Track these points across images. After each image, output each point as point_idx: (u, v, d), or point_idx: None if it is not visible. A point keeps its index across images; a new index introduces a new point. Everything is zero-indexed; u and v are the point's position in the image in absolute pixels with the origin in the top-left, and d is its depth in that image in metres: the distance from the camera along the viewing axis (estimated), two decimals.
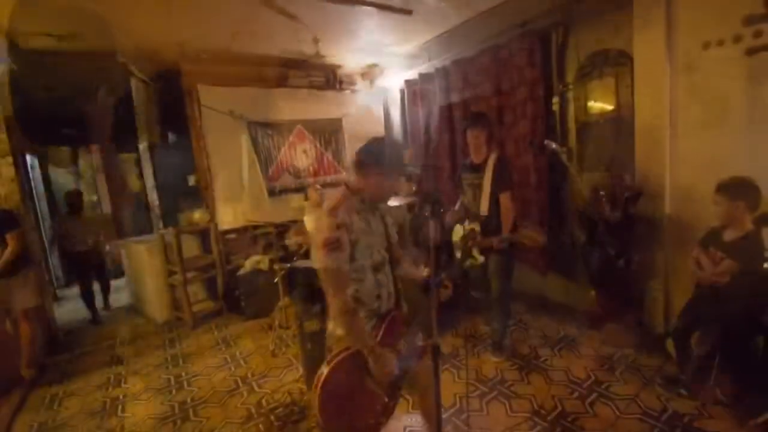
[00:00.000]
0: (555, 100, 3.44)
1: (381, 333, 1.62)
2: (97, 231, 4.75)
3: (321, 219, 1.56)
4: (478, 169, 2.78)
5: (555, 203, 3.51)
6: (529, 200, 3.65)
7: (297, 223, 4.14)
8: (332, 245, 1.50)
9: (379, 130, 5.49)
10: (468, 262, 2.75)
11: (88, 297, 4.66)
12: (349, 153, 5.35)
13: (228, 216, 4.53)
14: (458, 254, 2.74)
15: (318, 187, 4.14)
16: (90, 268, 4.75)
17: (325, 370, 1.51)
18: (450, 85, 4.27)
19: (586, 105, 3.27)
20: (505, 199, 2.73)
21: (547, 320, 3.51)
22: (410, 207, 3.79)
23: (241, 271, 4.38)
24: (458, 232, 2.86)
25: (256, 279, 4.29)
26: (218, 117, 4.39)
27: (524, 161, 3.64)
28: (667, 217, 2.81)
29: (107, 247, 5.11)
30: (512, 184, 2.75)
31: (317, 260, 1.53)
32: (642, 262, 2.93)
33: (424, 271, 1.76)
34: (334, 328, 1.62)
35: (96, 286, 4.87)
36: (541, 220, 3.52)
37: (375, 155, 1.56)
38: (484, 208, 2.74)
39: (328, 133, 5.24)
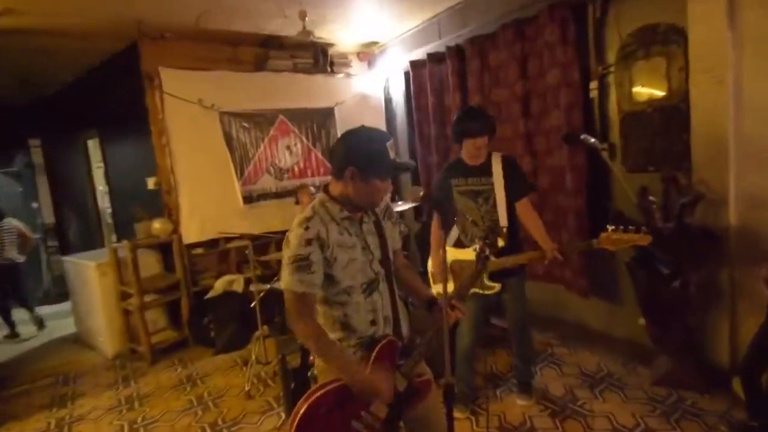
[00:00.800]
0: (593, 85, 3.45)
1: (371, 363, 1.60)
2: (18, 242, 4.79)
3: (290, 231, 1.57)
4: (479, 172, 2.74)
5: (594, 211, 3.50)
6: (563, 207, 3.64)
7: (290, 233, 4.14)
8: (299, 264, 1.51)
9: (379, 122, 5.52)
10: (480, 290, 2.71)
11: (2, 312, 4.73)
12: None
13: (195, 227, 4.53)
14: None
15: (311, 189, 4.16)
16: (5, 285, 4.83)
17: (302, 406, 1.50)
18: (465, 68, 4.29)
19: (630, 91, 3.27)
20: (527, 205, 2.72)
21: (587, 354, 3.49)
22: (418, 214, 3.78)
23: (211, 294, 4.38)
24: (453, 253, 2.79)
25: (229, 303, 4.29)
26: (184, 107, 4.42)
27: (557, 160, 3.63)
28: (733, 228, 2.80)
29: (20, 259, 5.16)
30: (532, 186, 2.74)
31: (282, 280, 1.56)
32: (702, 283, 2.90)
33: (431, 288, 1.75)
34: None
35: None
36: (579, 230, 3.51)
37: (355, 150, 1.55)
38: (503, 219, 2.71)
39: (317, 125, 5.26)
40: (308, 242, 1.52)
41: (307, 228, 1.53)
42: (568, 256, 2.43)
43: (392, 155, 1.54)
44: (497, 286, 2.69)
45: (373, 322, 1.65)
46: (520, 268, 2.77)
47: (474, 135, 2.65)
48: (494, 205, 2.72)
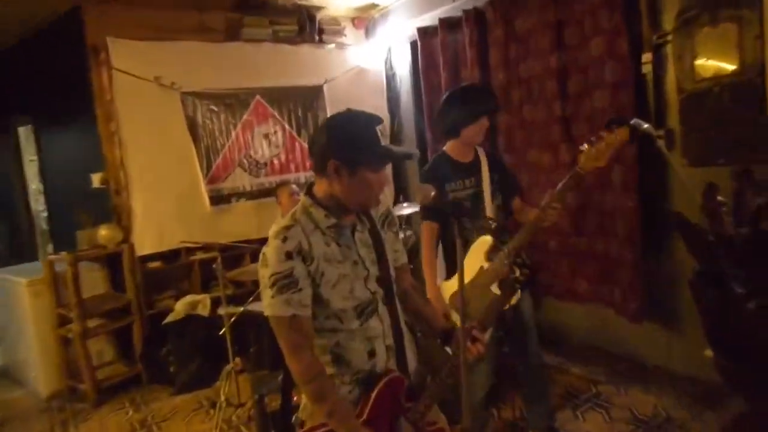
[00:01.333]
0: (646, 58, 3.44)
1: (369, 407, 1.60)
2: None
3: (266, 246, 1.58)
4: (470, 170, 2.83)
5: (649, 214, 3.48)
6: (609, 210, 3.63)
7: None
8: (281, 282, 1.52)
9: (379, 103, 5.52)
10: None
11: None
12: None
13: (150, 234, 4.53)
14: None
15: (293, 187, 4.15)
16: None
17: None
18: (486, 37, 4.28)
19: (692, 66, 3.26)
20: (520, 203, 2.89)
21: (640, 394, 3.46)
22: (428, 217, 3.75)
23: (170, 319, 4.37)
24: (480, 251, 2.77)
25: (193, 330, 4.28)
26: (138, 86, 4.42)
27: None
28: None
29: None
30: (519, 186, 3.00)
31: (264, 306, 1.56)
32: None
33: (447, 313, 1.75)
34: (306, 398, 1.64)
35: None
36: (629, 238, 3.50)
37: (335, 137, 1.56)
38: (489, 211, 2.79)
39: (302, 107, 5.27)
40: (288, 255, 1.53)
41: (285, 239, 1.54)
42: (561, 200, 2.48)
43: (383, 141, 1.54)
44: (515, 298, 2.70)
45: (372, 354, 1.65)
46: (532, 282, 2.83)
47: (490, 112, 2.79)
48: (484, 212, 2.78)
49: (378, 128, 1.54)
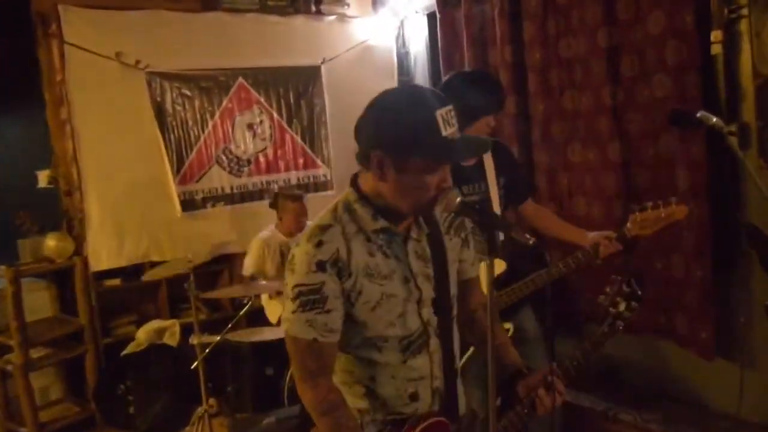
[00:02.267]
0: (715, 36, 3.42)
1: None
2: None
3: (296, 246, 1.57)
4: (474, 174, 2.90)
5: (720, 223, 3.47)
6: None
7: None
8: (306, 298, 1.50)
9: (388, 87, 5.49)
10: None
11: None
12: (334, 127, 5.38)
13: (109, 245, 4.51)
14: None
15: (299, 192, 4.15)
16: None
17: None
18: (520, 7, 4.27)
19: None
20: (534, 205, 3.06)
21: None
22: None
23: (131, 349, 4.36)
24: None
25: (158, 363, 4.27)
26: (95, 64, 4.41)
27: (662, 148, 3.61)
28: None
29: None
30: (532, 185, 3.17)
31: (283, 320, 1.57)
32: None
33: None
34: None
35: None
36: (698, 253, 3.48)
37: (383, 123, 1.50)
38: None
39: (294, 92, 5.29)
40: (320, 266, 1.50)
41: (319, 244, 1.51)
42: (597, 256, 2.77)
43: (447, 130, 1.46)
44: None
45: (414, 397, 1.63)
46: (545, 300, 2.93)
47: (497, 109, 2.91)
48: None
49: (440, 113, 1.45)
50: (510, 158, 3.06)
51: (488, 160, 2.90)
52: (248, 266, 4.21)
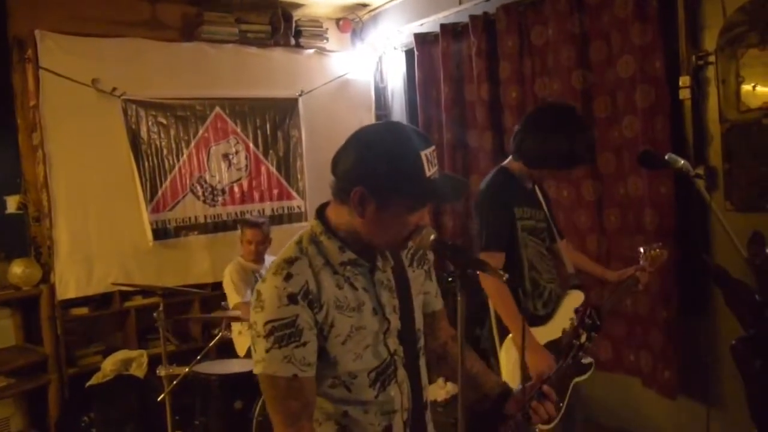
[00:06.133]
0: (684, 81, 3.52)
1: None
2: None
3: (262, 282, 1.52)
4: (534, 199, 2.88)
5: (688, 264, 3.53)
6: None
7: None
8: (281, 333, 1.45)
9: (366, 121, 5.55)
10: None
11: None
12: (310, 159, 5.41)
13: (77, 273, 4.50)
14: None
15: (262, 220, 4.15)
16: None
17: None
18: (497, 47, 4.35)
19: (738, 92, 3.34)
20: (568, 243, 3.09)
21: None
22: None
23: (96, 379, 4.31)
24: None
25: (124, 395, 4.21)
26: (70, 91, 4.43)
27: (631, 189, 3.69)
28: None
29: None
30: None
31: (256, 360, 1.50)
32: None
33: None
34: None
35: None
36: (664, 293, 3.54)
37: (369, 160, 1.46)
38: (569, 264, 2.88)
39: (271, 124, 5.32)
40: (291, 299, 1.45)
41: (287, 277, 1.47)
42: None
43: (430, 170, 1.44)
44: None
45: (388, 430, 1.61)
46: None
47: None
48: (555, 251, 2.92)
49: (425, 153, 1.42)
50: (546, 191, 3.08)
51: (537, 188, 2.90)
52: (232, 296, 4.01)
